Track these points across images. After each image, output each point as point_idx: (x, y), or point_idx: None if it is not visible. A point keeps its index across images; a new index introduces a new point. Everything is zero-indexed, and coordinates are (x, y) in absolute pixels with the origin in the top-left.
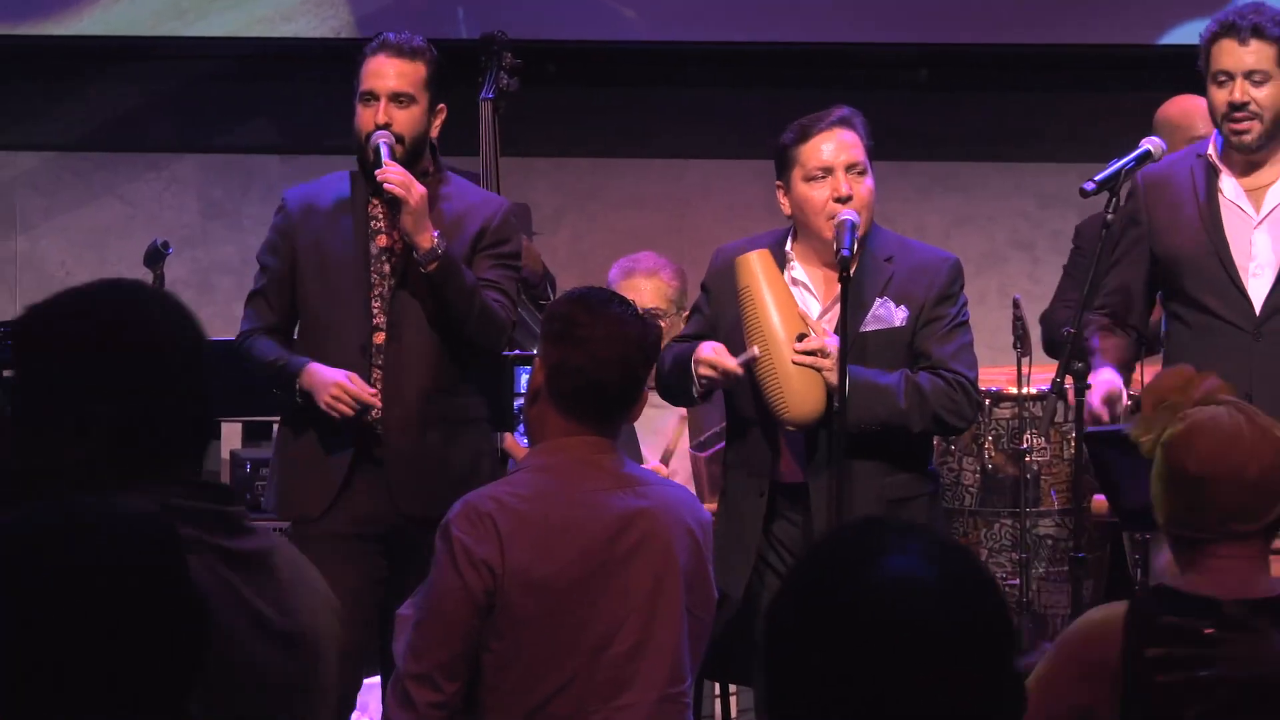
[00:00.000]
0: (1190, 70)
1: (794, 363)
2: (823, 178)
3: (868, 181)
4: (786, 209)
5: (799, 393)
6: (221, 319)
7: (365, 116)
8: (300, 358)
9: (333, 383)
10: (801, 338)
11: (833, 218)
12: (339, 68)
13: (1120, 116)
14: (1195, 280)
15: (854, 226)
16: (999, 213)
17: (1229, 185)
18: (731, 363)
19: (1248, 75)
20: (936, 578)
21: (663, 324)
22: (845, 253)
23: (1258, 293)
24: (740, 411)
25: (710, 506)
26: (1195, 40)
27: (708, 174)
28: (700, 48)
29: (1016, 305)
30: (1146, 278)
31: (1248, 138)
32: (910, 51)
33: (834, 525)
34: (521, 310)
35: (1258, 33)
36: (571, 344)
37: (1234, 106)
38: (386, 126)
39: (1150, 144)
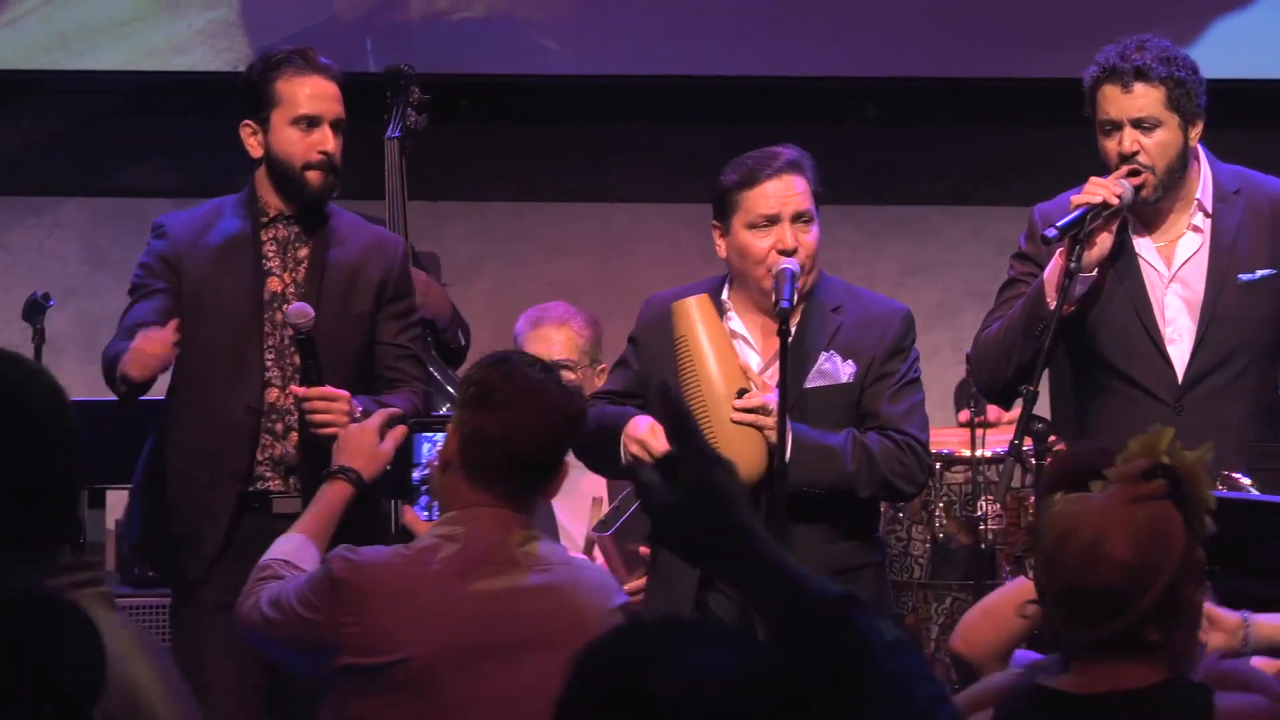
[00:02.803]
0: None
1: (733, 420)
2: (766, 226)
3: (814, 231)
4: (722, 252)
5: (738, 453)
6: None
7: (305, 143)
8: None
9: (135, 341)
10: (743, 393)
11: (773, 268)
12: (237, 103)
13: (1086, 155)
14: (1115, 345)
15: (794, 276)
16: (954, 260)
17: (1139, 238)
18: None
19: (1135, 123)
20: (734, 671)
21: (574, 376)
22: (785, 304)
23: (1177, 360)
24: None
25: (633, 584)
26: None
27: (637, 218)
28: (628, 82)
29: (970, 361)
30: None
31: (1144, 191)
32: (856, 86)
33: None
34: (433, 369)
35: (1141, 75)
36: (489, 411)
37: (1124, 158)
38: (333, 156)
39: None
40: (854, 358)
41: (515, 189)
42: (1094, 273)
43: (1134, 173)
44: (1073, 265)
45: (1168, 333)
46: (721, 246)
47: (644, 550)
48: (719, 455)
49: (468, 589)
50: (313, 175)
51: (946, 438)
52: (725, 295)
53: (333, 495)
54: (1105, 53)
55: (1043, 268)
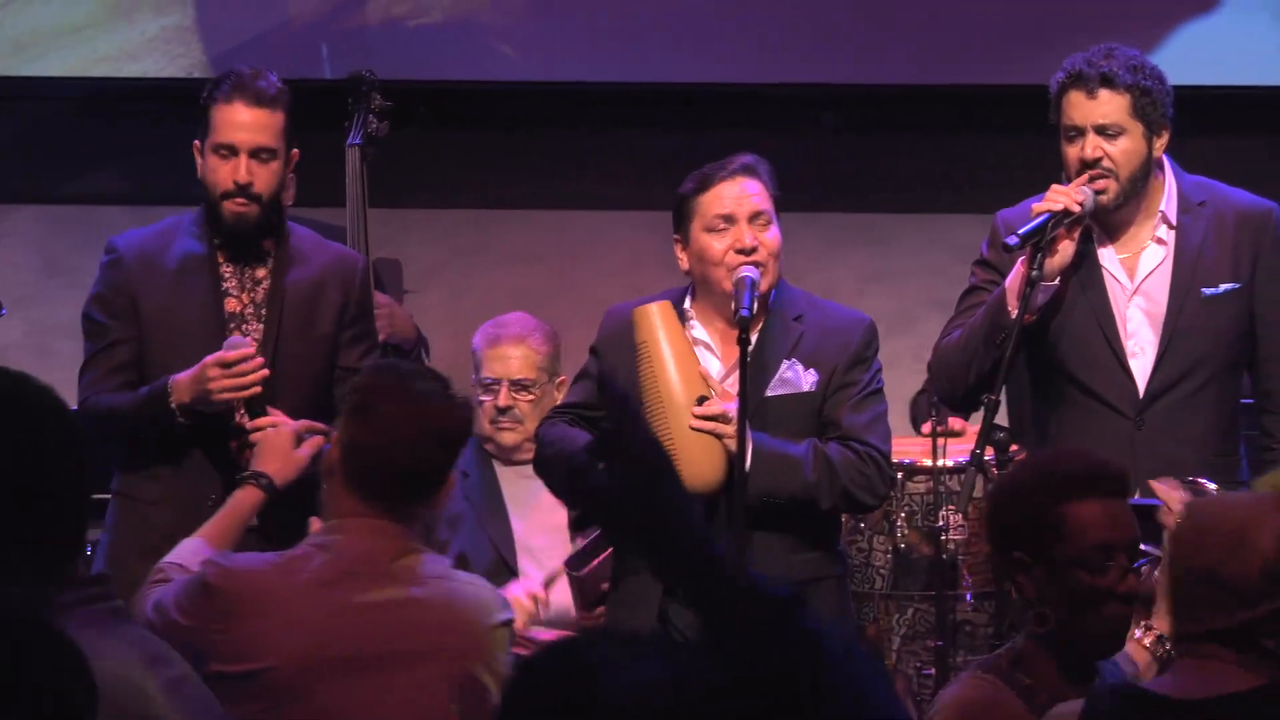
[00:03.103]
0: None
1: (693, 428)
2: (724, 228)
3: (773, 232)
4: (684, 264)
5: (697, 461)
6: (63, 386)
7: (222, 172)
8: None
9: (204, 369)
10: (702, 400)
11: (733, 270)
12: (191, 110)
13: (1047, 163)
14: (1077, 357)
15: (754, 284)
16: (914, 268)
17: (1103, 249)
18: None
19: (1099, 130)
20: (670, 681)
21: (532, 395)
22: (745, 312)
23: (1139, 374)
24: None
25: (589, 618)
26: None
27: (597, 226)
28: (587, 88)
29: (930, 369)
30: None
31: (1105, 198)
32: (816, 93)
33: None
34: None
35: (1107, 82)
36: (366, 420)
37: (1086, 164)
38: (249, 186)
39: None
40: (816, 366)
41: (473, 196)
42: (1056, 281)
43: (1095, 178)
44: (1034, 274)
45: (1129, 345)
46: (683, 259)
47: (605, 586)
48: (658, 440)
49: (336, 600)
50: (227, 206)
51: (908, 447)
52: (687, 304)
53: (241, 500)
54: (1073, 59)
55: (1005, 275)
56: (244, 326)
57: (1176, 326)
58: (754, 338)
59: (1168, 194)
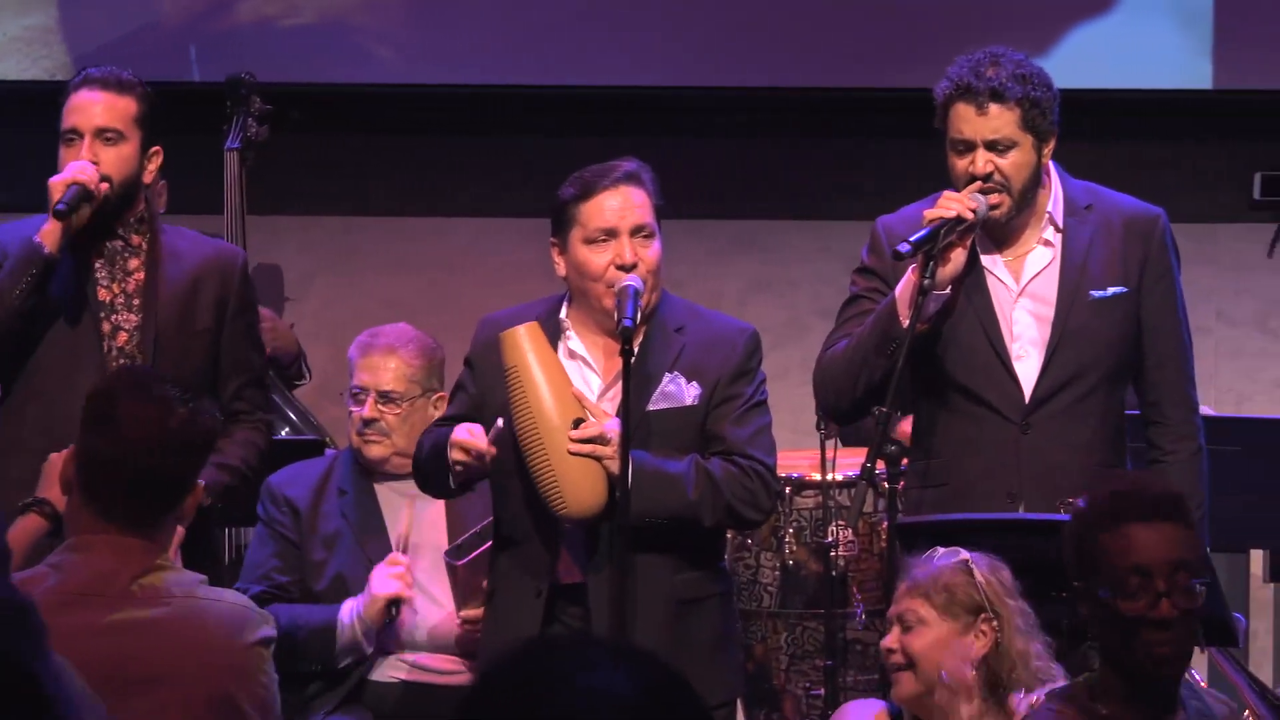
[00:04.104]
0: None
1: (570, 452)
2: (605, 241)
3: (655, 246)
4: (561, 270)
5: (577, 485)
6: None
7: (68, 157)
8: None
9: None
10: (578, 423)
11: (613, 285)
12: (54, 114)
13: (936, 168)
14: (961, 362)
15: (637, 294)
16: (802, 276)
17: (987, 253)
18: (483, 443)
19: (989, 145)
20: (635, 692)
21: (400, 409)
22: (627, 323)
23: (1025, 377)
24: (510, 504)
25: (469, 613)
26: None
27: (475, 233)
28: (466, 91)
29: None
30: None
31: (997, 213)
32: (701, 96)
33: (538, 639)
34: (273, 393)
35: (996, 96)
36: (98, 429)
37: (975, 179)
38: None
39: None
40: (699, 379)
41: (347, 202)
42: (948, 290)
43: (988, 192)
44: (926, 282)
45: (1014, 349)
46: (560, 265)
47: (485, 582)
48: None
49: (67, 624)
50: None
51: (796, 461)
52: (564, 314)
53: (20, 528)
54: (958, 68)
55: (887, 282)
56: (114, 317)
57: (1066, 327)
58: (634, 349)
59: (1054, 197)
